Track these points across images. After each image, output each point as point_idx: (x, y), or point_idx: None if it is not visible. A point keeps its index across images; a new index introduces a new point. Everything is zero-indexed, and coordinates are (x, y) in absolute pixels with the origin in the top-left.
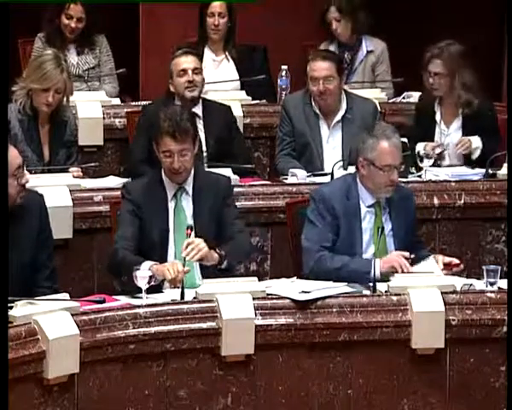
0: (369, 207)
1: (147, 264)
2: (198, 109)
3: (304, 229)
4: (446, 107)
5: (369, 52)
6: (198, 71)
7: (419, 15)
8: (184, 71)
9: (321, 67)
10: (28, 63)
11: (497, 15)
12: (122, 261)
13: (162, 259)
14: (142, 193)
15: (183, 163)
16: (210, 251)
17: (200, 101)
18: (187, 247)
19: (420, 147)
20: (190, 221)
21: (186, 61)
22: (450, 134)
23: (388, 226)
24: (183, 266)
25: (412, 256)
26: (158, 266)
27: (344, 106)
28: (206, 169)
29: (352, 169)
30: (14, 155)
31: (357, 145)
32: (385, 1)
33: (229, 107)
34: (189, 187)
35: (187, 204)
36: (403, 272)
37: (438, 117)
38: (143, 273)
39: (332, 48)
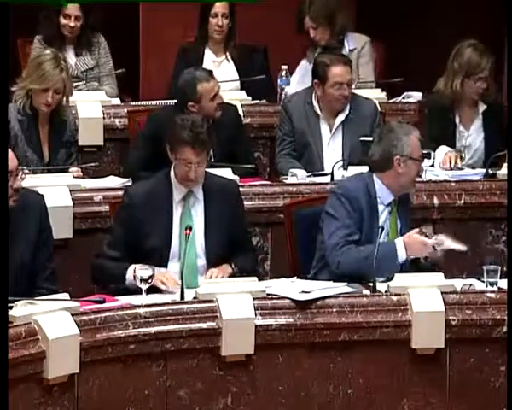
0: (387, 205)
1: (131, 269)
2: None
3: (325, 225)
4: (464, 108)
5: (351, 50)
6: (219, 90)
7: (418, 16)
8: (216, 94)
9: (345, 72)
10: (27, 63)
11: (496, 15)
12: (107, 273)
13: (162, 260)
14: (146, 196)
15: (198, 173)
16: (226, 269)
17: None
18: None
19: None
20: (199, 226)
21: (215, 85)
22: (470, 135)
23: (398, 225)
24: (182, 267)
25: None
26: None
27: (348, 107)
28: (210, 170)
29: (352, 169)
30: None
31: (385, 147)
32: (385, 2)
33: (236, 106)
34: (197, 191)
35: (195, 209)
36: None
37: (457, 120)
38: (143, 273)
39: (316, 53)
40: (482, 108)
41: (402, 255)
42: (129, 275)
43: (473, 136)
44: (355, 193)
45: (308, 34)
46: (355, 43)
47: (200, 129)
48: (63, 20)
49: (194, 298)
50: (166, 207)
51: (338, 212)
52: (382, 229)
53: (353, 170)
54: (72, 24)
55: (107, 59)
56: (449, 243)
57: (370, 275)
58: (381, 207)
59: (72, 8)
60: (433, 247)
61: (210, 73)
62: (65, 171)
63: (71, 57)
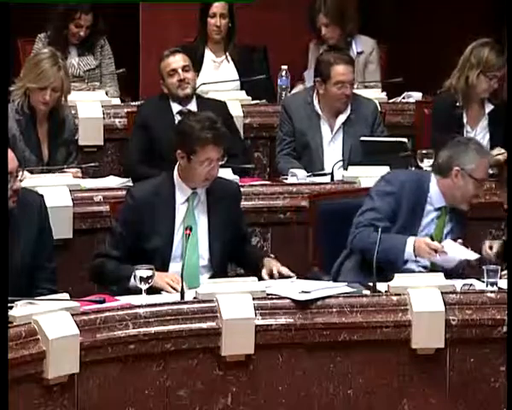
0: (436, 209)
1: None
2: (192, 106)
3: (364, 203)
4: (472, 107)
5: (359, 53)
6: (187, 68)
7: (418, 16)
8: (174, 70)
9: (348, 71)
10: (25, 62)
11: (497, 15)
12: (110, 274)
13: (164, 263)
14: (149, 197)
15: (218, 169)
16: (272, 262)
17: (194, 97)
18: (271, 276)
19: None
20: (203, 227)
21: (174, 61)
22: (477, 135)
23: (444, 234)
24: (183, 268)
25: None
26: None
27: (349, 107)
28: None
29: (352, 169)
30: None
31: (451, 154)
32: (385, 2)
33: (225, 102)
34: (200, 191)
35: (198, 210)
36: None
37: (464, 119)
38: (143, 273)
39: (321, 50)
40: (488, 108)
41: (409, 252)
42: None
43: (479, 136)
44: (402, 183)
45: (319, 32)
46: (362, 46)
47: (218, 124)
48: (74, 29)
49: (194, 298)
50: (169, 208)
51: (377, 194)
52: (382, 230)
53: (353, 170)
54: (82, 33)
55: (110, 61)
56: (460, 254)
57: (377, 260)
58: (429, 208)
59: (85, 19)
60: (436, 251)
61: (175, 50)
62: (65, 171)
63: (73, 57)
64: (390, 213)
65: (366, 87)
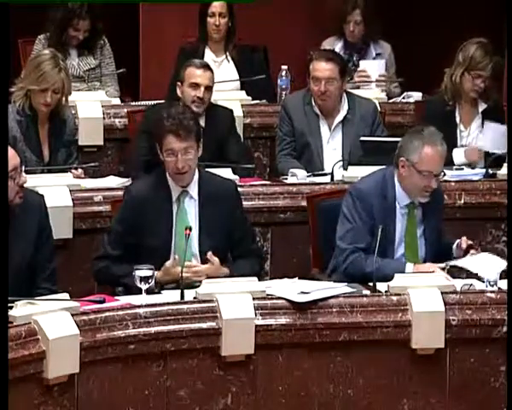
0: (403, 207)
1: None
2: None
3: (338, 226)
4: (464, 107)
5: (378, 54)
6: (209, 88)
7: (419, 16)
8: (197, 85)
9: (324, 68)
10: (26, 64)
11: (496, 15)
12: (117, 276)
13: (164, 261)
14: (146, 194)
15: (186, 162)
16: (216, 269)
17: None
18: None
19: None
20: (194, 226)
21: (202, 77)
22: (470, 134)
23: (420, 228)
24: (182, 271)
25: (444, 266)
26: (162, 272)
27: (345, 107)
28: (209, 170)
29: (352, 169)
30: (10, 156)
31: (401, 144)
32: (386, 3)
33: (232, 111)
34: (192, 191)
35: (190, 208)
36: None
37: (457, 119)
38: (143, 273)
39: (338, 46)
40: (482, 107)
41: None
42: None
43: (472, 135)
44: (368, 195)
45: (346, 26)
46: (380, 48)
47: (181, 116)
48: (73, 32)
49: (194, 298)
50: (166, 204)
51: (351, 213)
52: (383, 229)
53: (353, 170)
54: (81, 37)
55: (110, 60)
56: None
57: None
58: (398, 208)
59: (83, 24)
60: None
61: (207, 65)
62: (65, 171)
63: (73, 57)
64: (367, 228)
65: (358, 87)
